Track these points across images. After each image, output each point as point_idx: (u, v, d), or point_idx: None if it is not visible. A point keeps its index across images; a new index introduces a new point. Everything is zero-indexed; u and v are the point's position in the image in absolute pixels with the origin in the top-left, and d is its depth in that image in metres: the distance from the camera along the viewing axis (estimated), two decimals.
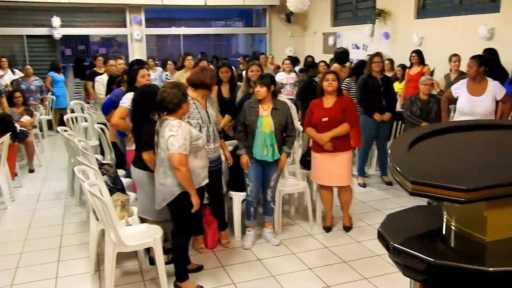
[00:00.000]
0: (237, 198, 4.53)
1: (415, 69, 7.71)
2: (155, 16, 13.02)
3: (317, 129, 4.57)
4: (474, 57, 5.16)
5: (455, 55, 7.09)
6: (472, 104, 4.92)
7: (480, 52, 6.58)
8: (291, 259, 4.18)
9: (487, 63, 6.22)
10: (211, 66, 6.85)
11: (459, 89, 5.13)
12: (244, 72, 7.30)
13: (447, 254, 1.33)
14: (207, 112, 4.03)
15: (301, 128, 5.60)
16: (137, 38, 11.78)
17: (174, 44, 13.54)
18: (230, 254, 4.27)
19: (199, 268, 3.93)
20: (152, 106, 3.61)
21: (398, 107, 6.73)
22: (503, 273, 1.14)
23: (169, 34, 13.36)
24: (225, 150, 4.35)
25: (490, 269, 1.15)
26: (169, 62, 9.24)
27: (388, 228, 1.43)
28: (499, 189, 1.22)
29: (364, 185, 6.16)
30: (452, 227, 1.41)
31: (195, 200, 3.35)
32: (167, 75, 8.75)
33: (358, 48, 10.55)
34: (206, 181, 3.65)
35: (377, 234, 1.45)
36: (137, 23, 11.77)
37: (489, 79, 5.02)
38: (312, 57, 10.43)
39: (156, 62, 10.24)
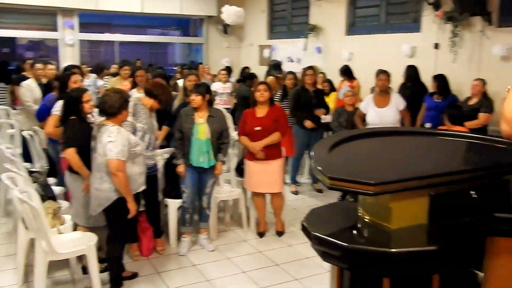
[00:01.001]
0: (173, 205, 4.59)
1: (346, 83, 8.12)
2: (89, 21, 12.74)
3: (250, 138, 4.74)
4: (384, 71, 5.67)
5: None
6: (380, 115, 5.40)
7: (403, 68, 7.12)
8: (226, 263, 4.30)
9: (409, 79, 6.77)
10: (148, 75, 6.88)
11: (367, 105, 5.64)
12: (180, 81, 7.38)
13: (360, 240, 1.52)
14: (151, 121, 4.15)
15: (236, 137, 5.77)
16: (69, 43, 11.46)
17: (108, 51, 13.31)
18: (165, 260, 4.31)
19: (134, 276, 3.94)
20: (77, 108, 3.64)
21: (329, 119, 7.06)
22: (402, 253, 1.34)
23: (103, 40, 13.11)
24: None
25: (393, 250, 1.34)
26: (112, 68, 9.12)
27: (310, 220, 1.60)
28: (400, 184, 1.43)
29: (296, 193, 6.41)
30: (365, 219, 1.60)
31: (132, 206, 3.39)
32: (106, 79, 8.61)
33: (292, 61, 10.91)
34: (143, 187, 3.70)
35: (301, 226, 1.62)
36: (70, 27, 11.46)
37: (391, 92, 5.55)
38: (248, 68, 10.68)
39: (89, 68, 10.03)
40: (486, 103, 5.83)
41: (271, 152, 4.72)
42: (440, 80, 6.24)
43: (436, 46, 7.31)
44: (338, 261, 1.49)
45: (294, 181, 6.52)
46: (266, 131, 4.68)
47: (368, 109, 5.64)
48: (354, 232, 1.58)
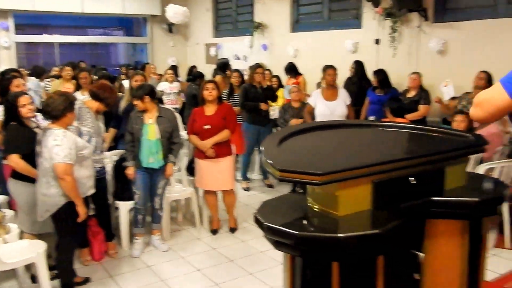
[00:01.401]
0: (124, 207, 4.53)
1: (291, 80, 8.27)
2: (26, 22, 12.25)
3: (200, 136, 4.75)
4: (332, 67, 5.87)
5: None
6: (330, 108, 5.58)
7: (347, 63, 7.36)
8: (180, 263, 4.30)
9: (356, 74, 7.00)
10: (92, 76, 6.73)
11: (315, 99, 5.83)
12: (126, 82, 7.26)
13: (309, 228, 1.59)
14: (98, 123, 4.07)
15: (186, 137, 5.77)
16: (4, 45, 10.98)
17: (48, 53, 12.86)
18: (118, 263, 4.26)
19: (86, 281, 3.86)
20: (15, 113, 3.54)
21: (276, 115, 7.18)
22: (349, 238, 1.42)
23: (42, 42, 12.65)
24: None
25: (340, 235, 1.43)
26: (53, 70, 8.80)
27: (262, 212, 1.66)
28: (345, 173, 1.51)
29: (247, 189, 6.48)
30: (314, 208, 1.68)
31: (81, 209, 3.33)
32: (47, 82, 8.30)
33: (238, 59, 10.99)
34: (92, 191, 3.63)
35: (254, 218, 1.67)
36: (5, 29, 10.98)
37: (338, 86, 5.77)
38: (195, 66, 10.64)
39: (27, 72, 9.64)
40: (424, 95, 6.12)
41: (221, 150, 4.75)
42: (381, 74, 6.49)
43: (377, 41, 7.59)
44: (290, 249, 1.56)
45: (245, 178, 6.58)
46: (215, 129, 4.72)
47: (317, 102, 5.80)
48: (304, 221, 1.66)
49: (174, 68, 9.37)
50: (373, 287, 1.60)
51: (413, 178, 1.73)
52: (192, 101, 7.19)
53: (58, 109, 3.29)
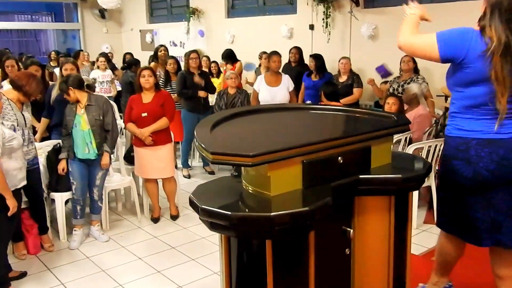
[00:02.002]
0: (60, 199, 4.41)
1: (229, 66, 8.29)
2: None
3: (138, 124, 4.69)
4: (276, 53, 5.93)
5: (264, 52, 7.83)
6: (272, 93, 5.70)
7: (283, 48, 7.45)
8: (121, 252, 4.25)
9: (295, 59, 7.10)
10: (21, 65, 6.41)
11: (259, 84, 5.93)
12: (57, 70, 6.98)
13: (243, 208, 1.65)
14: (22, 114, 3.88)
15: (123, 125, 5.66)
16: None
17: None
18: (56, 256, 4.15)
19: (22, 275, 3.74)
20: None
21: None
22: (279, 216, 1.50)
23: None
24: None
25: (271, 213, 1.49)
26: None
27: (197, 194, 1.70)
28: (276, 154, 1.58)
29: (188, 176, 6.47)
30: (248, 189, 1.74)
31: (11, 202, 3.20)
32: None
33: (175, 45, 10.85)
34: (24, 183, 3.50)
35: (189, 201, 1.71)
36: None
37: (282, 73, 5.88)
38: (131, 53, 10.39)
39: None
40: (356, 79, 6.35)
41: (159, 138, 4.72)
42: (316, 59, 6.65)
43: (311, 27, 7.75)
44: (225, 230, 1.61)
45: (186, 165, 6.57)
46: (153, 117, 4.67)
47: (260, 88, 5.88)
48: (239, 202, 1.71)
49: (105, 55, 9.09)
50: (305, 263, 1.68)
51: (341, 158, 1.83)
52: (129, 88, 7.05)
53: None
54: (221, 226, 1.57)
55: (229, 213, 1.52)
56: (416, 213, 4.59)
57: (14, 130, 3.72)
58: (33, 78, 3.97)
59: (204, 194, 1.75)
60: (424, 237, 4.37)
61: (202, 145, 1.61)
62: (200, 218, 1.62)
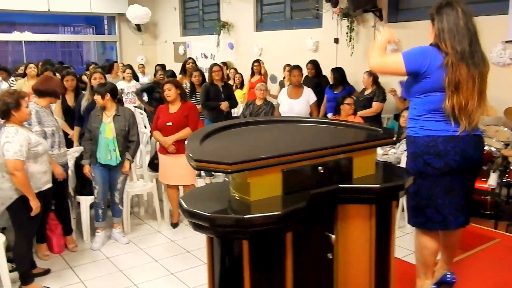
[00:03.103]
0: (85, 202, 4.69)
1: (256, 77, 8.49)
2: None
3: (163, 133, 4.95)
4: (297, 67, 6.08)
5: (288, 65, 8.01)
6: (291, 106, 5.81)
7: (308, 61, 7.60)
8: (139, 254, 4.48)
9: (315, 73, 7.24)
10: (57, 75, 6.81)
11: (281, 97, 6.10)
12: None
13: (223, 211, 1.82)
14: (55, 118, 4.21)
15: (149, 134, 5.97)
16: None
17: (16, 50, 12.80)
18: (78, 255, 4.42)
19: (46, 272, 4.02)
20: None
21: (239, 112, 7.39)
22: (253, 218, 1.66)
23: (9, 40, 12.57)
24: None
25: (246, 216, 1.65)
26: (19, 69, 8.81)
27: (186, 198, 1.88)
28: (254, 163, 1.74)
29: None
30: (235, 195, 1.91)
31: (34, 203, 3.48)
32: (12, 81, 8.33)
33: (206, 57, 11.17)
34: (48, 185, 3.78)
35: (178, 203, 1.88)
36: None
37: (304, 86, 5.99)
38: (163, 65, 10.76)
39: None
40: (379, 93, 6.41)
41: (182, 146, 4.93)
42: (337, 72, 6.76)
43: (336, 41, 7.88)
44: (206, 231, 1.77)
45: (209, 174, 6.77)
46: (177, 126, 4.91)
47: (282, 100, 6.06)
48: (221, 205, 1.88)
49: (130, 67, 9.38)
50: (281, 264, 1.82)
51: (321, 168, 1.97)
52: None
53: (3, 108, 3.43)
54: (203, 226, 1.74)
55: (209, 214, 1.69)
56: None
57: (53, 135, 4.05)
58: (48, 79, 4.28)
59: (194, 197, 1.93)
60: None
61: (189, 154, 1.79)
62: (187, 218, 1.79)
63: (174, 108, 4.98)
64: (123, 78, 8.77)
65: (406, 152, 2.92)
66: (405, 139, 5.04)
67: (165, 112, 4.99)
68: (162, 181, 5.21)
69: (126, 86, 8.42)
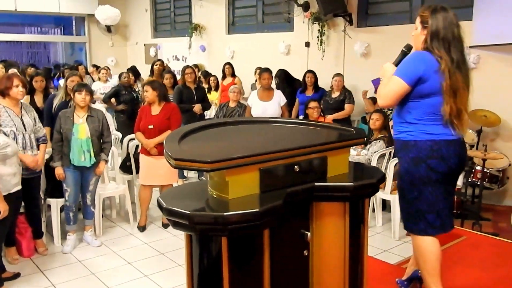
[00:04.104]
0: (55, 204, 4.62)
1: (228, 80, 8.53)
2: None
3: (145, 135, 4.94)
4: (267, 70, 6.17)
5: (259, 68, 8.08)
6: (263, 108, 5.89)
7: (281, 64, 7.70)
8: (112, 257, 4.44)
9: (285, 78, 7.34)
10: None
11: (252, 99, 6.18)
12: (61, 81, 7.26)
13: (202, 208, 1.85)
14: (22, 120, 4.10)
15: (119, 136, 5.99)
16: None
17: None
18: (49, 259, 4.34)
19: (16, 276, 3.93)
20: None
21: (212, 114, 7.41)
22: (231, 215, 1.69)
23: None
24: (41, 154, 4.34)
25: (225, 213, 1.69)
26: None
27: (165, 196, 1.90)
28: (232, 161, 1.78)
29: None
30: (213, 194, 1.94)
31: (2, 206, 3.38)
32: None
33: (178, 59, 11.14)
34: (18, 188, 3.70)
35: (157, 202, 1.90)
36: None
37: (274, 88, 6.12)
38: (134, 67, 10.68)
39: None
40: (348, 95, 6.56)
41: (163, 148, 4.91)
42: (314, 75, 6.86)
43: (307, 44, 7.99)
44: (185, 228, 1.80)
45: (182, 176, 6.75)
46: (159, 129, 4.90)
47: (253, 102, 6.12)
48: (200, 203, 1.90)
49: (105, 68, 9.33)
50: (259, 261, 1.87)
51: (297, 166, 2.02)
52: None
53: None
54: (182, 224, 1.76)
55: (188, 212, 1.71)
56: (398, 226, 4.76)
57: (14, 136, 3.95)
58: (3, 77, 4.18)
59: (172, 196, 1.95)
60: (405, 247, 4.54)
61: (168, 153, 1.81)
62: (165, 216, 1.81)
63: (155, 110, 4.97)
64: (99, 79, 8.71)
65: (402, 157, 2.88)
66: (375, 141, 5.25)
67: (147, 114, 4.97)
68: (144, 182, 5.12)
69: (102, 87, 8.34)
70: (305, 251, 2.15)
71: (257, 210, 1.72)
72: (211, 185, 1.97)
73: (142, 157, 5.06)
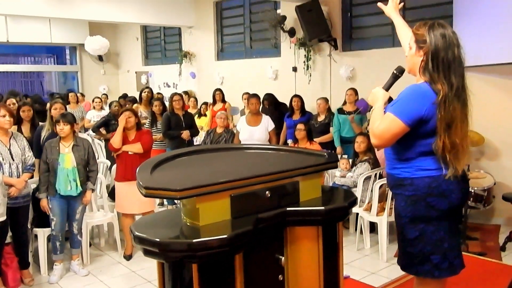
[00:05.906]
0: (42, 234, 4.61)
1: (218, 106, 8.61)
2: None
3: (123, 160, 4.96)
4: (255, 95, 6.25)
5: (247, 93, 8.18)
6: (250, 132, 5.95)
7: (268, 89, 7.81)
8: (98, 286, 4.42)
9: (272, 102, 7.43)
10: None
11: (240, 124, 6.24)
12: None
13: (172, 236, 1.88)
14: (9, 149, 4.14)
15: (109, 163, 5.97)
16: None
17: None
18: None
19: None
20: None
21: (201, 140, 7.46)
22: (200, 242, 1.73)
23: None
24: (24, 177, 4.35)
25: (194, 240, 1.73)
26: None
27: (137, 224, 1.94)
28: (202, 189, 1.82)
29: None
30: (186, 222, 1.97)
31: None
32: None
33: (169, 86, 11.26)
34: (2, 218, 3.72)
35: (129, 230, 1.94)
36: None
37: (263, 114, 6.17)
38: (126, 94, 10.79)
39: None
40: (333, 118, 6.63)
41: None
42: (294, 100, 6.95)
43: (294, 69, 8.13)
44: (156, 256, 1.83)
45: (171, 202, 6.76)
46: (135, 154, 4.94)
47: (241, 127, 6.19)
48: (171, 231, 1.94)
49: (100, 97, 9.45)
50: (231, 286, 1.89)
51: (268, 192, 2.07)
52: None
53: None
54: (152, 252, 1.79)
55: (158, 239, 1.75)
56: (386, 247, 4.78)
57: (0, 165, 3.98)
58: None
59: (145, 224, 1.99)
60: (394, 269, 4.54)
61: (140, 182, 1.86)
62: (134, 244, 1.84)
63: (131, 136, 5.03)
64: (93, 107, 8.80)
65: (398, 194, 2.55)
66: (361, 163, 5.31)
67: (125, 140, 5.02)
68: (121, 210, 5.14)
69: (96, 115, 8.41)
70: (280, 276, 2.18)
71: (225, 236, 1.76)
72: (184, 212, 2.00)
73: (117, 185, 5.07)
